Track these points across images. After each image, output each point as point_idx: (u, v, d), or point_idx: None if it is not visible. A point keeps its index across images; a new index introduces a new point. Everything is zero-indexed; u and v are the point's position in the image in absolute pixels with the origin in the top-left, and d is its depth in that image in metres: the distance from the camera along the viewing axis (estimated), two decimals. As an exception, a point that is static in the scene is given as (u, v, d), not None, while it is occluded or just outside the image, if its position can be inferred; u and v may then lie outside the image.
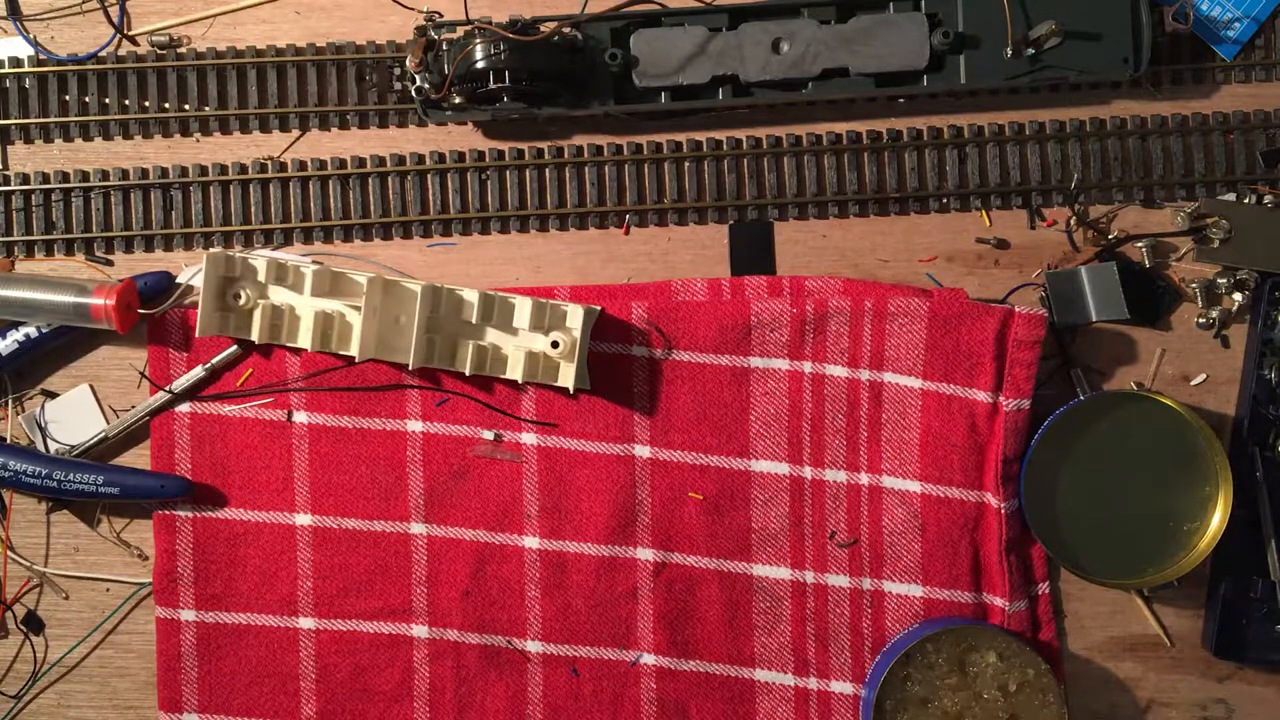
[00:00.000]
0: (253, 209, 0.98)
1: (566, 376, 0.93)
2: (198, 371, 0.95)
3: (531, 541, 0.96)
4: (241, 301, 0.93)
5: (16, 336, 0.94)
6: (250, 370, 0.96)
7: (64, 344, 0.97)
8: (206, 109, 0.98)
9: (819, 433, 0.95)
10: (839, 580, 0.95)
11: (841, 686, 0.95)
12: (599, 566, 0.95)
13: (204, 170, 0.98)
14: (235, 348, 0.96)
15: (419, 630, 0.96)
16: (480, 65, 0.90)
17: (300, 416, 0.96)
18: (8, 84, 0.98)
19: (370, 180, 0.98)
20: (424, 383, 0.96)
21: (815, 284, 0.96)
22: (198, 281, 0.94)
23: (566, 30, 0.93)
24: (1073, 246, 0.97)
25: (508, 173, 0.98)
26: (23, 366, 0.97)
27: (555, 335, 0.91)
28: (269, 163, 0.98)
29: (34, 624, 0.97)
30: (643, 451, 0.95)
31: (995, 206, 0.98)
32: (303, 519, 0.96)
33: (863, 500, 0.95)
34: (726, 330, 0.95)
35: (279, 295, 0.94)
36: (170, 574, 0.95)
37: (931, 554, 0.94)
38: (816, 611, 0.95)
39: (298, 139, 0.99)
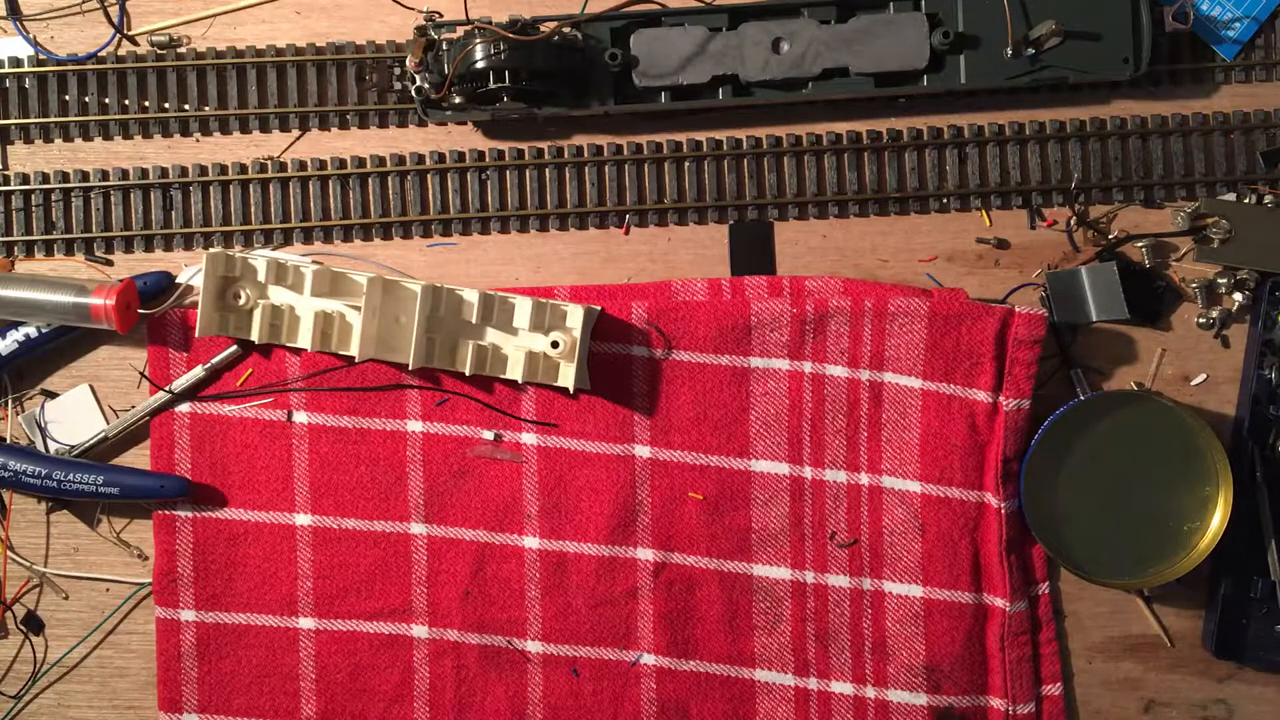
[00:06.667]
0: (253, 209, 0.98)
1: (566, 376, 0.93)
2: (197, 371, 0.95)
3: (531, 541, 0.96)
4: (241, 301, 0.93)
5: (16, 336, 0.94)
6: (250, 370, 0.96)
7: (64, 344, 0.97)
8: (206, 109, 0.98)
9: (819, 433, 0.95)
10: (839, 580, 0.95)
11: (841, 687, 0.95)
12: (599, 566, 0.95)
13: (204, 170, 0.98)
14: (235, 348, 0.96)
15: (419, 630, 0.96)
16: (480, 65, 0.90)
17: (300, 416, 0.96)
18: (8, 84, 0.98)
19: (370, 180, 0.98)
20: (424, 383, 0.96)
21: (815, 284, 0.96)
22: (198, 281, 0.94)
23: (566, 30, 0.93)
24: (1073, 246, 0.97)
25: (508, 173, 0.98)
26: (23, 366, 0.97)
27: (555, 335, 0.91)
28: (269, 163, 0.98)
29: (34, 624, 0.97)
30: (643, 451, 0.95)
31: (995, 206, 0.98)
32: (303, 519, 0.96)
33: (863, 500, 0.95)
34: (726, 330, 0.95)
35: (279, 295, 0.94)
36: (170, 574, 0.95)
37: (931, 554, 0.94)
38: (816, 611, 0.95)
39: (298, 139, 0.99)
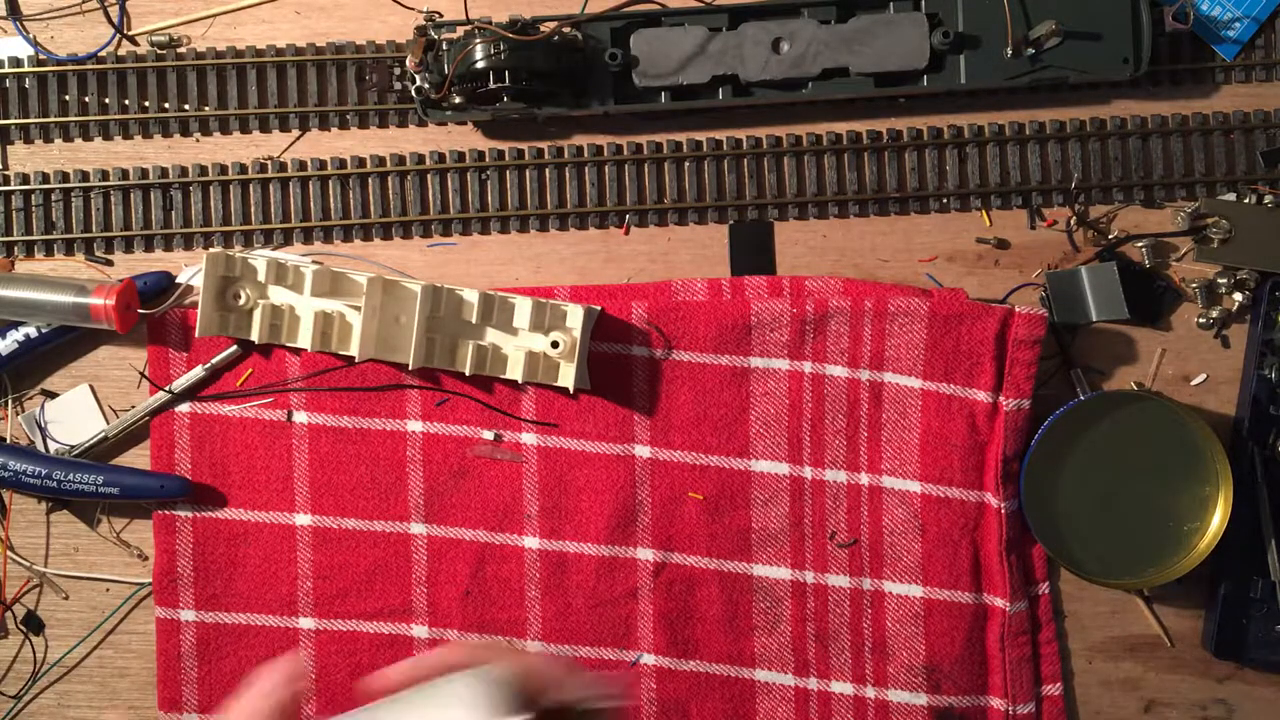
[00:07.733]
0: (253, 209, 0.98)
1: (566, 376, 0.93)
2: (198, 371, 0.95)
3: (531, 541, 0.96)
4: (241, 301, 0.93)
5: (16, 336, 0.94)
6: (250, 370, 0.96)
7: (64, 344, 0.96)
8: (206, 109, 0.98)
9: (819, 433, 0.95)
10: (839, 580, 0.95)
11: (841, 687, 0.95)
12: (599, 566, 0.95)
13: (204, 170, 0.98)
14: (235, 348, 0.96)
15: (419, 630, 0.96)
16: (480, 65, 0.90)
17: (300, 416, 0.96)
18: (8, 84, 0.98)
19: (370, 180, 0.98)
20: (424, 383, 0.96)
21: (815, 284, 0.96)
22: (198, 281, 0.94)
23: (566, 30, 0.93)
24: (1073, 246, 0.97)
25: (508, 173, 0.98)
26: (23, 366, 0.97)
27: (555, 335, 0.91)
28: (269, 163, 0.98)
29: (34, 624, 0.97)
30: (643, 451, 0.95)
31: (995, 206, 0.98)
32: (303, 519, 0.96)
33: (863, 500, 0.95)
34: (726, 330, 0.95)
35: (279, 295, 0.94)
36: (170, 574, 0.95)
37: (931, 554, 0.94)
38: (816, 612, 0.95)
39: (298, 139, 0.99)
